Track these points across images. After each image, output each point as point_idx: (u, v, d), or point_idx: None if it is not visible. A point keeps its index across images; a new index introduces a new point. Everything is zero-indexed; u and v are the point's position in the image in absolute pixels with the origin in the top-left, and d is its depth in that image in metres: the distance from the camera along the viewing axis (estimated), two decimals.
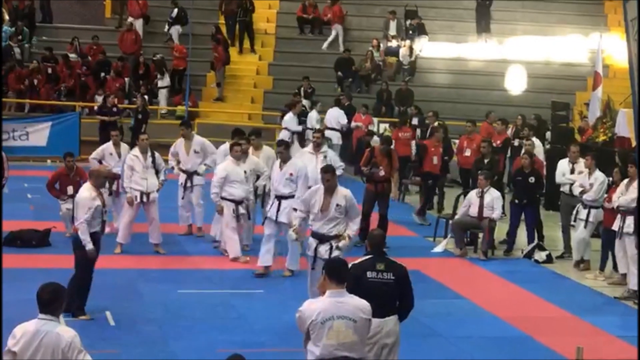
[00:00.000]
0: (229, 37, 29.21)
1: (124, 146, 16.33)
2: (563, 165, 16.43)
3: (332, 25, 30.02)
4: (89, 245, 11.37)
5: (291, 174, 13.73)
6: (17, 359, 6.83)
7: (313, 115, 24.87)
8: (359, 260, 8.19)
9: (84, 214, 11.30)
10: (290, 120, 24.11)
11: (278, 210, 13.74)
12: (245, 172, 14.69)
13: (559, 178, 16.39)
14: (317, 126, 24.21)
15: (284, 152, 14.05)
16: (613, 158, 17.77)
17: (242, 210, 14.71)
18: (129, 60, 28.14)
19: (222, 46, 28.00)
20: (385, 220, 16.31)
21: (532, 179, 16.20)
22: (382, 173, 16.22)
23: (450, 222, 16.57)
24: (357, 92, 27.99)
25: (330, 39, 29.93)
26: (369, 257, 8.26)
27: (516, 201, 16.33)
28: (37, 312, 6.93)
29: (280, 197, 13.81)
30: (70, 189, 15.51)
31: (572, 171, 16.16)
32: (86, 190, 11.53)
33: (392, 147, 17.19)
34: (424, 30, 29.87)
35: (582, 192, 15.27)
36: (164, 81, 27.60)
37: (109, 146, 16.25)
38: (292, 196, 13.62)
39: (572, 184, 15.73)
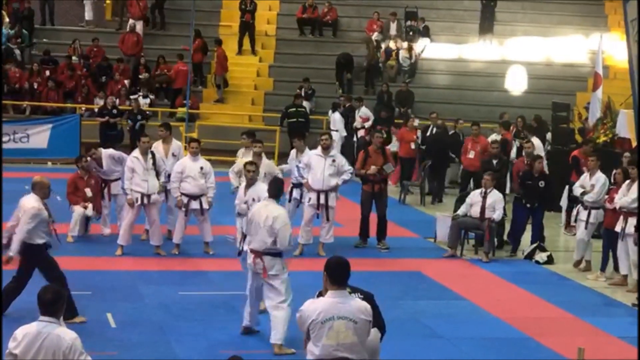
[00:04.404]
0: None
1: (104, 154, 16.13)
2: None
3: None
4: (12, 253, 11.15)
5: (254, 200, 12.24)
6: None
7: (337, 117, 24.97)
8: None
9: (26, 223, 11.11)
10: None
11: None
12: (202, 168, 14.96)
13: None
14: (340, 127, 24.56)
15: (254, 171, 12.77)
16: (614, 159, 17.75)
17: (194, 205, 14.93)
18: (129, 62, 28.14)
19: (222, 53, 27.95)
20: (384, 221, 16.28)
21: (542, 183, 16.16)
22: (391, 169, 16.18)
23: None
24: (360, 94, 27.96)
25: None
26: None
27: (528, 205, 16.26)
28: (38, 314, 6.93)
29: None
30: (88, 191, 15.79)
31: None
32: (33, 201, 11.29)
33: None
34: (427, 32, 29.88)
35: (584, 193, 15.26)
36: (146, 100, 27.01)
37: (91, 161, 16.14)
38: None
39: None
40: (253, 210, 11.00)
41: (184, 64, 26.89)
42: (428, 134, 22.56)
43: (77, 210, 15.78)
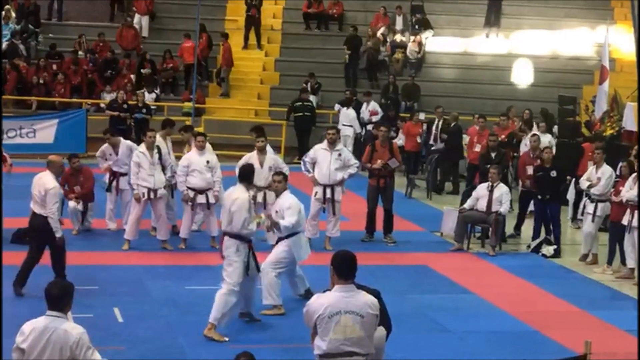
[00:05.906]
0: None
1: (123, 143, 16.25)
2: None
3: None
4: (60, 232, 11.94)
5: (277, 212, 12.09)
6: (26, 357, 6.84)
7: (351, 114, 24.98)
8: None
9: (53, 203, 11.78)
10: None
11: None
12: (208, 161, 15.09)
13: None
14: (355, 123, 24.60)
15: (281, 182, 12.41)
16: (621, 152, 17.72)
17: (201, 199, 15.09)
18: (131, 56, 28.14)
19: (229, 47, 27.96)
20: (390, 215, 16.28)
21: (553, 173, 16.10)
22: (396, 164, 16.22)
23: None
24: (366, 88, 27.92)
25: None
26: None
27: (539, 197, 16.20)
28: (45, 308, 6.94)
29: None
30: (77, 189, 15.84)
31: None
32: (52, 180, 11.97)
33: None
34: (429, 24, 29.84)
35: (590, 186, 15.25)
36: (152, 95, 26.95)
37: (107, 146, 16.25)
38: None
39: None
40: (224, 194, 11.33)
41: (189, 41, 27.04)
42: (439, 127, 22.56)
43: (70, 204, 15.77)
